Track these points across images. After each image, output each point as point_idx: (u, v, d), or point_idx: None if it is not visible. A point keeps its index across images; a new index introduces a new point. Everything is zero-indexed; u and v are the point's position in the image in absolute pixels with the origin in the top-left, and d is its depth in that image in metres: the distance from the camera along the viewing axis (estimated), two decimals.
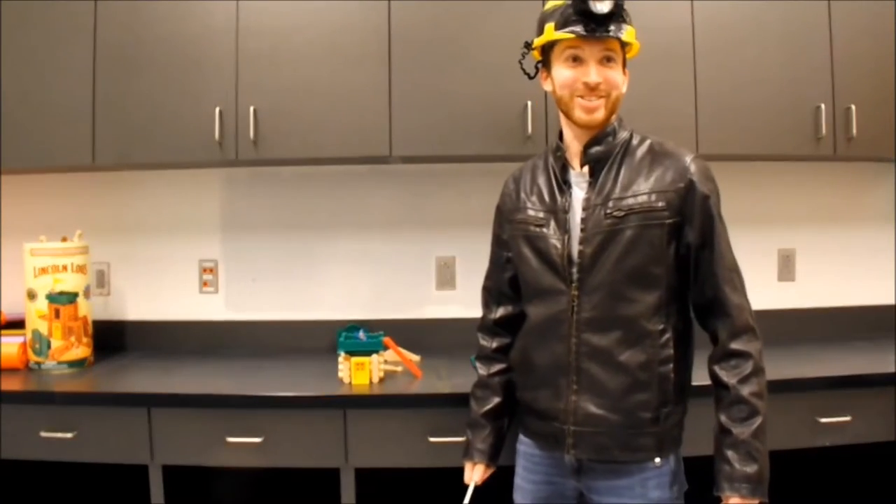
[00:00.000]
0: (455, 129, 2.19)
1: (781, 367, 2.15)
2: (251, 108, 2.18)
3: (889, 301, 2.64)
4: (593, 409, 1.43)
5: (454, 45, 2.19)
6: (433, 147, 2.21)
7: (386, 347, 2.11)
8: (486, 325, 1.69)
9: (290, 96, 2.20)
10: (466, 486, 1.63)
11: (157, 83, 2.21)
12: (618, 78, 1.44)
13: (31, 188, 2.61)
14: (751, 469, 1.35)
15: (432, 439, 1.90)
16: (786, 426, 1.99)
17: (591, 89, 1.41)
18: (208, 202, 2.60)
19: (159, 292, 2.61)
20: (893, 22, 2.28)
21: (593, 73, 1.41)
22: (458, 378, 2.04)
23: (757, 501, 1.36)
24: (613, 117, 1.48)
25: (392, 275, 2.58)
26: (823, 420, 1.99)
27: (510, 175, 1.65)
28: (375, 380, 2.04)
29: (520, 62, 1.56)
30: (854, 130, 2.23)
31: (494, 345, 1.66)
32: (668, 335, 1.42)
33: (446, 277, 2.57)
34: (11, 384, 2.05)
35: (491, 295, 1.69)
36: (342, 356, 2.06)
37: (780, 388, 1.97)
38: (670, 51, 2.21)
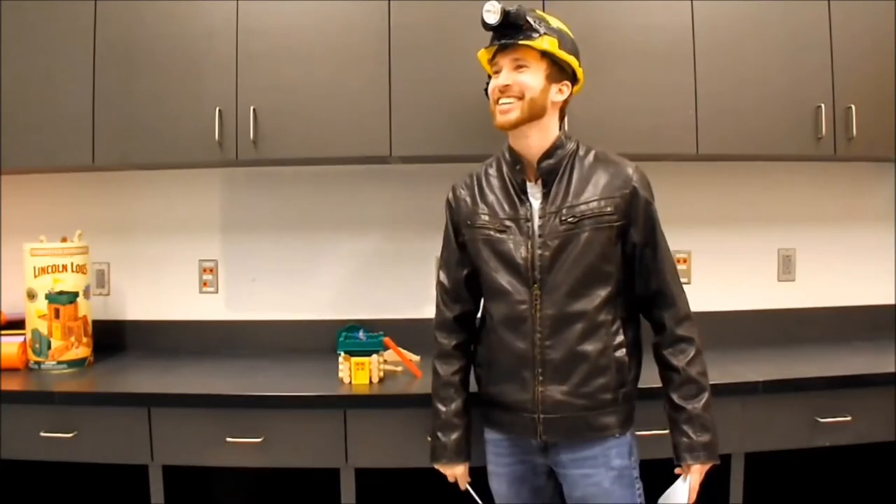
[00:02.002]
0: (455, 130, 2.20)
1: (781, 366, 2.15)
2: (251, 108, 2.18)
3: (889, 301, 2.64)
4: (559, 396, 1.58)
5: (454, 46, 2.19)
6: (433, 147, 2.21)
7: (386, 347, 2.11)
8: (444, 323, 1.75)
9: (290, 96, 2.20)
10: (465, 491, 1.75)
11: (156, 83, 2.21)
12: (528, 81, 1.56)
13: (31, 188, 2.61)
14: (706, 438, 1.56)
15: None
16: (785, 426, 2.00)
17: (502, 92, 1.57)
18: (208, 202, 2.60)
19: (159, 292, 2.61)
20: (893, 22, 2.28)
21: (503, 77, 1.58)
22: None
23: (710, 465, 1.58)
24: (560, 133, 1.61)
25: (392, 275, 2.58)
26: (823, 420, 1.99)
27: (459, 181, 1.74)
28: (375, 380, 2.05)
29: (485, 90, 1.70)
30: (854, 130, 2.23)
31: (454, 342, 1.74)
32: (617, 324, 1.59)
33: None
34: (11, 384, 2.05)
35: (448, 294, 1.75)
36: (342, 356, 2.06)
37: (780, 387, 1.98)
38: (670, 51, 2.21)
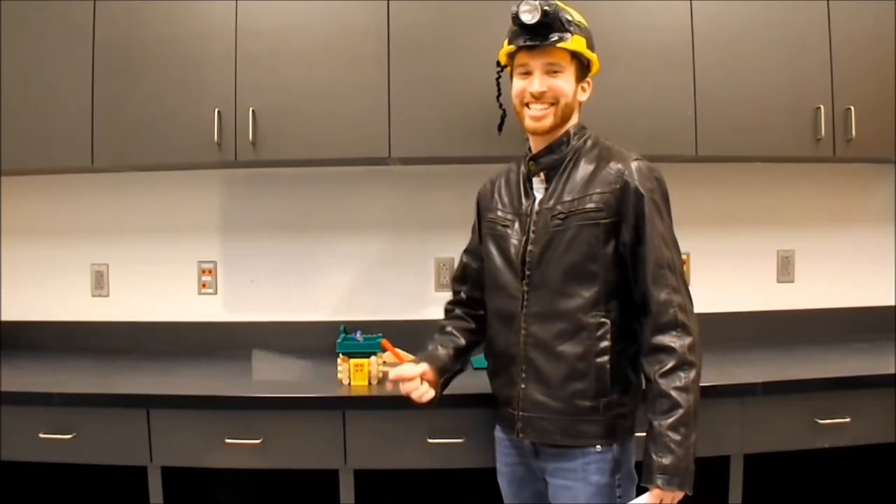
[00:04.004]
0: (454, 131, 2.19)
1: (780, 368, 2.15)
2: (250, 110, 2.18)
3: (888, 302, 2.64)
4: (538, 396, 1.55)
5: (453, 46, 2.19)
6: (432, 148, 2.21)
7: (384, 349, 2.11)
8: (456, 300, 1.82)
9: (289, 97, 2.19)
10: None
11: (155, 84, 2.21)
12: (564, 87, 1.54)
13: (31, 188, 2.61)
14: (666, 460, 1.41)
15: (431, 441, 1.90)
16: (784, 427, 2.00)
17: (536, 98, 1.54)
18: (207, 203, 2.60)
19: (158, 294, 2.61)
20: (893, 22, 2.28)
21: (536, 83, 1.53)
22: (456, 380, 2.03)
23: (673, 491, 1.41)
24: (571, 125, 1.59)
25: (391, 276, 2.58)
26: (822, 421, 1.98)
27: (489, 177, 1.77)
28: (374, 381, 2.04)
29: (497, 80, 1.69)
30: (853, 132, 2.23)
31: (463, 296, 1.79)
32: (605, 328, 1.51)
33: (445, 278, 2.57)
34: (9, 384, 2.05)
35: (468, 272, 1.79)
36: (341, 357, 2.06)
37: (779, 389, 1.98)
38: (669, 51, 2.21)
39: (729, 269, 2.61)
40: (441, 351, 1.71)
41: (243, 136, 2.19)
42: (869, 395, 2.00)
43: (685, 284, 1.51)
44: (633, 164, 1.52)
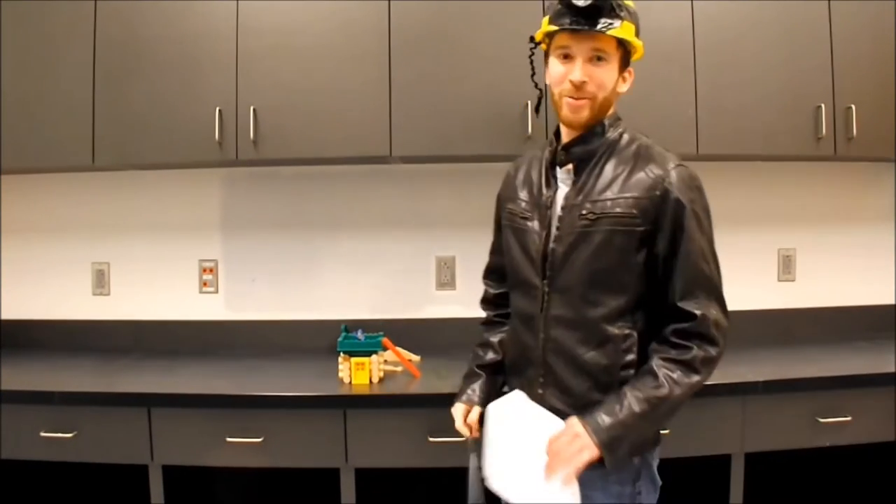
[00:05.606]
0: (455, 129, 2.19)
1: (781, 366, 2.16)
2: (251, 108, 2.18)
3: (889, 301, 2.64)
4: (557, 404, 1.44)
5: (454, 45, 2.19)
6: (433, 147, 2.21)
7: (385, 348, 2.11)
8: (486, 298, 1.72)
9: (291, 96, 2.19)
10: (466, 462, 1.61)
11: (156, 83, 2.21)
12: (606, 78, 1.40)
13: (31, 188, 2.61)
14: (609, 418, 1.32)
15: (432, 439, 1.90)
16: (785, 426, 2.00)
17: (577, 88, 1.39)
18: (208, 202, 2.60)
19: (159, 292, 2.61)
20: (893, 22, 2.28)
21: (577, 71, 1.39)
22: (457, 378, 2.03)
23: (589, 441, 1.31)
24: (608, 115, 1.46)
25: (392, 275, 2.58)
26: (823, 420, 1.99)
27: (513, 163, 1.64)
28: (375, 380, 2.05)
29: (530, 58, 1.55)
30: (854, 130, 2.23)
31: (495, 314, 1.68)
32: (631, 340, 1.41)
33: (446, 277, 2.57)
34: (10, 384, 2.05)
35: (492, 274, 1.71)
36: (342, 356, 2.06)
37: (780, 387, 1.98)
38: (670, 51, 2.21)
39: (730, 268, 2.56)
40: (481, 379, 1.60)
41: (244, 135, 2.19)
42: (870, 394, 2.01)
43: (721, 300, 1.42)
44: (674, 171, 1.39)
